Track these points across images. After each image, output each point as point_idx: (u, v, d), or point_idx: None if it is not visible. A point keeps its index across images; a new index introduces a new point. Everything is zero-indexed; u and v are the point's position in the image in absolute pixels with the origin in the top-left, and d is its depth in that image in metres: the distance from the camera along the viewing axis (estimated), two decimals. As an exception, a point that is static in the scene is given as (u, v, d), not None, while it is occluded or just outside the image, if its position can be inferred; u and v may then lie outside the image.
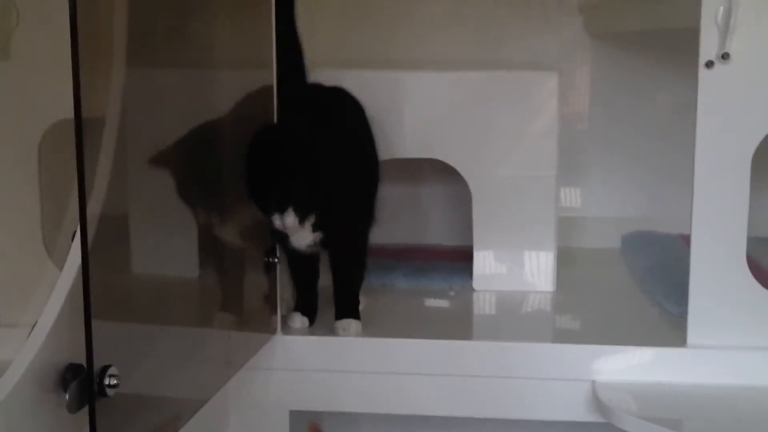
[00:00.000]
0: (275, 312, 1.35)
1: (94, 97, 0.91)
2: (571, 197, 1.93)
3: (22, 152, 1.35)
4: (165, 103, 1.04)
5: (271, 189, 1.24)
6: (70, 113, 1.04)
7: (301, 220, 1.25)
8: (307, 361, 1.35)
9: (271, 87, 1.32)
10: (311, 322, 1.39)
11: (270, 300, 1.34)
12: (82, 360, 0.82)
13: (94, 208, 0.86)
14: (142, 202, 0.99)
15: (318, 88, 1.47)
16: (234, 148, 1.22)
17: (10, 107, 1.34)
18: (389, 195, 1.47)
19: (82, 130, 0.81)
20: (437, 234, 1.85)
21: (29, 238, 1.27)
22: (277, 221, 1.24)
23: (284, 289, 1.39)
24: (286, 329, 1.37)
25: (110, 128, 0.91)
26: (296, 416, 1.41)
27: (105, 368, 0.83)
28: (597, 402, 1.27)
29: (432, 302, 1.56)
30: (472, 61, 1.85)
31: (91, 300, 0.81)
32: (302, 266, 1.40)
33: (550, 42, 1.88)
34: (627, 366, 1.30)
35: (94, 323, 0.81)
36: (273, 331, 1.35)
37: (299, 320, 1.38)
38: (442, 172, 1.61)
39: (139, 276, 0.98)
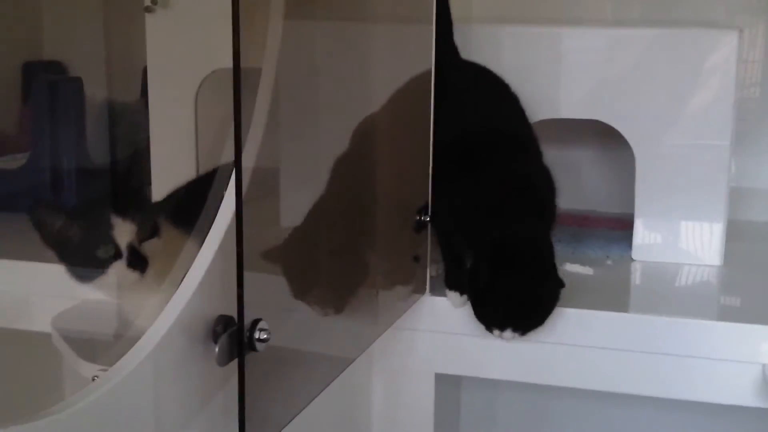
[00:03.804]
0: (425, 272, 1.32)
1: (252, 47, 0.89)
2: (739, 167, 1.80)
3: (180, 100, 1.36)
4: (321, 55, 1.01)
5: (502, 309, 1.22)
6: (227, 62, 1.04)
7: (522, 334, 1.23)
8: (454, 325, 1.31)
9: (430, 44, 1.27)
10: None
11: (420, 259, 1.31)
12: (232, 312, 0.81)
13: (248, 159, 0.85)
14: (295, 154, 0.96)
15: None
16: (390, 105, 1.18)
17: (170, 55, 1.35)
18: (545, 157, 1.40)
19: (240, 80, 0.79)
20: (593, 200, 1.77)
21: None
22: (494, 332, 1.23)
23: (435, 248, 1.35)
24: (434, 290, 1.33)
25: (267, 79, 0.89)
26: (442, 379, 1.38)
27: (255, 321, 0.81)
28: (768, 388, 1.18)
29: (587, 270, 1.48)
30: (638, 20, 1.75)
31: (243, 251, 0.79)
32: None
33: (719, 3, 1.75)
34: (803, 351, 1.20)
35: (246, 275, 0.79)
36: (421, 291, 1.31)
37: (456, 300, 1.31)
38: (601, 135, 1.53)
39: (290, 229, 0.96)
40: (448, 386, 1.55)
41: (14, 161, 1.52)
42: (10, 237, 1.24)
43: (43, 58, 1.63)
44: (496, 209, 1.25)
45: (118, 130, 1.52)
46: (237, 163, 0.79)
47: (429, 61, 1.26)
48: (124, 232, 0.89)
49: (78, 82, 1.54)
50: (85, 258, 0.89)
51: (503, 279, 1.20)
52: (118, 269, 0.88)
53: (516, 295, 1.21)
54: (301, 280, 0.98)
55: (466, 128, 1.34)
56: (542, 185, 1.32)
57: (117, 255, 0.88)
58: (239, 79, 0.78)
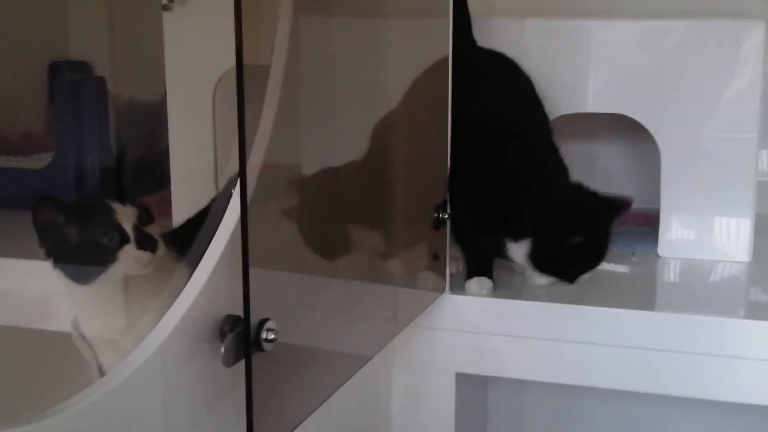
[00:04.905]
0: (444, 270, 1.30)
1: (261, 45, 0.88)
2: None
3: (197, 97, 1.36)
4: (333, 51, 1.00)
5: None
6: (250, 60, 1.03)
7: None
8: (476, 323, 1.30)
9: (447, 39, 1.25)
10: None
11: (439, 257, 1.29)
12: (240, 311, 0.80)
13: (256, 157, 0.84)
14: (307, 152, 0.95)
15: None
16: (407, 101, 1.17)
17: (187, 53, 1.34)
18: (568, 152, 1.37)
19: (243, 78, 0.78)
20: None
21: (204, 185, 1.27)
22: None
23: (454, 246, 1.33)
24: (455, 288, 1.31)
25: (275, 77, 0.88)
26: (465, 379, 1.36)
27: (263, 321, 0.80)
28: (796, 388, 1.15)
29: (612, 267, 1.46)
30: (668, 11, 1.71)
31: (249, 250, 0.78)
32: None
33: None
34: (832, 349, 1.17)
35: (253, 274, 0.78)
36: (441, 290, 1.30)
37: (483, 283, 1.31)
38: (626, 129, 1.50)
39: (303, 227, 0.95)
40: (473, 386, 1.53)
41: (40, 161, 1.53)
42: (35, 237, 1.24)
43: (70, 58, 1.64)
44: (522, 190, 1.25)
45: (143, 128, 1.53)
46: (241, 158, 0.77)
47: (446, 55, 1.25)
48: (126, 215, 0.87)
49: (101, 81, 1.54)
50: (89, 252, 0.87)
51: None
52: (129, 253, 0.86)
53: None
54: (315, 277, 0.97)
55: (476, 113, 1.32)
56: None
57: (123, 241, 0.87)
58: (242, 77, 0.77)
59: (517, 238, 1.23)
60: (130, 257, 0.87)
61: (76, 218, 0.87)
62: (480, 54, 1.43)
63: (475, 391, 1.59)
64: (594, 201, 1.23)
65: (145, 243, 0.87)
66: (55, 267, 0.88)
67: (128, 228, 0.87)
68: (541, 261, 1.22)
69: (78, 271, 0.87)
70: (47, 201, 0.87)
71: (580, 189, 1.25)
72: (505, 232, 1.24)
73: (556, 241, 1.21)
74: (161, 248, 0.88)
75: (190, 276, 0.81)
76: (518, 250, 1.23)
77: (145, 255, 0.87)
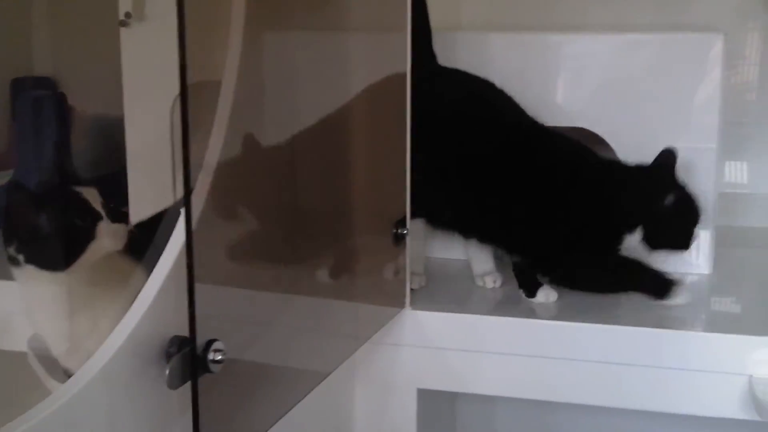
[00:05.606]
0: (404, 286, 1.29)
1: (214, 60, 0.87)
2: (736, 172, 1.77)
3: (155, 114, 1.34)
4: (288, 66, 0.99)
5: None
6: (201, 76, 1.02)
7: None
8: (437, 338, 1.29)
9: (405, 53, 1.25)
10: None
11: (399, 273, 1.28)
12: (187, 332, 0.78)
13: (207, 173, 0.83)
14: (260, 168, 0.94)
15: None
16: (363, 118, 1.16)
17: (145, 69, 1.33)
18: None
19: (187, 95, 0.77)
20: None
21: (161, 202, 1.26)
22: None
23: (415, 262, 1.32)
24: (415, 303, 1.30)
25: (226, 91, 0.87)
26: (425, 395, 1.35)
27: (210, 342, 0.79)
28: (754, 399, 1.14)
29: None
30: (629, 25, 1.72)
31: (195, 268, 0.77)
32: None
33: (721, 6, 1.72)
34: (791, 362, 1.17)
35: (201, 293, 0.77)
36: (401, 305, 1.29)
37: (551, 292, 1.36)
38: (585, 141, 1.50)
39: (256, 243, 0.94)
40: (440, 401, 1.52)
41: (1, 178, 1.51)
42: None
43: (33, 73, 1.62)
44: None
45: (105, 144, 1.51)
46: (186, 175, 0.77)
47: (404, 70, 1.24)
48: (92, 195, 0.89)
49: (61, 97, 1.53)
50: (65, 235, 0.87)
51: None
52: (105, 228, 0.87)
53: None
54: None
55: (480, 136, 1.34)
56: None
57: (94, 220, 0.87)
58: (186, 92, 0.76)
59: (631, 229, 1.31)
60: (106, 231, 0.87)
61: (46, 205, 0.88)
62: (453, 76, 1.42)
63: (441, 407, 1.58)
64: (654, 165, 1.34)
65: (117, 216, 0.89)
66: (27, 262, 0.87)
67: (97, 206, 0.87)
68: (659, 240, 1.32)
69: (54, 257, 0.87)
70: (19, 186, 0.87)
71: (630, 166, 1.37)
72: (623, 228, 1.32)
73: (667, 216, 1.31)
74: (130, 222, 0.90)
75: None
76: (632, 239, 1.32)
77: (120, 227, 0.89)
